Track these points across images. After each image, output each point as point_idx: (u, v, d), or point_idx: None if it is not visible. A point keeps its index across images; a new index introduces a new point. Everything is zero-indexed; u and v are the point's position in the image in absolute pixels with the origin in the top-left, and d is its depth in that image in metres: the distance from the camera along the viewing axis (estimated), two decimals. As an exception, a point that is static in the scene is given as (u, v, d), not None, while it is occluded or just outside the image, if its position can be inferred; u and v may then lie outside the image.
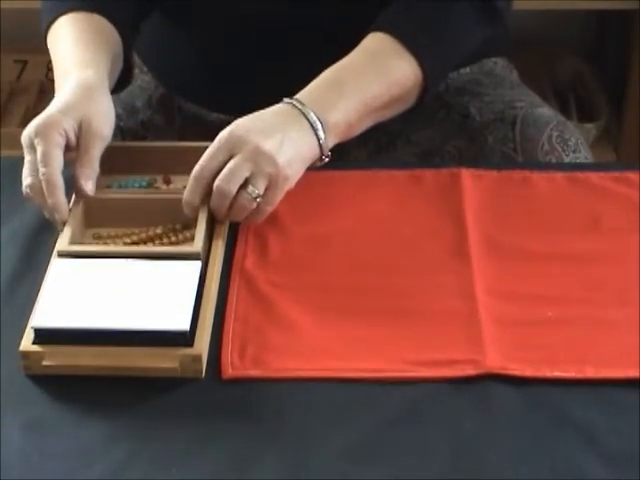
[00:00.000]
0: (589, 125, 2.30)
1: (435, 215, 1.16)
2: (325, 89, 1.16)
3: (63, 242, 1.06)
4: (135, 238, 1.10)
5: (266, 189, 1.08)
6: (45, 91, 2.37)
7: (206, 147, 1.16)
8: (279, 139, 1.08)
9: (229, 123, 1.11)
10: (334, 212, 1.16)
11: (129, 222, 1.11)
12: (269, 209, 1.10)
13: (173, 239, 1.09)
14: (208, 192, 1.08)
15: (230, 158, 1.07)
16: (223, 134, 1.09)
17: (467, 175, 1.21)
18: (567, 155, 1.30)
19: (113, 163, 1.18)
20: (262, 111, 1.13)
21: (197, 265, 1.03)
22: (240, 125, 1.10)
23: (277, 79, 1.22)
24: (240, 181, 1.07)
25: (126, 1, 1.29)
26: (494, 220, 1.15)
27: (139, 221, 1.11)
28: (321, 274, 1.09)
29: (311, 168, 1.14)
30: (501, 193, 1.19)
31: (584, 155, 1.32)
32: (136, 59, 1.49)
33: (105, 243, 1.10)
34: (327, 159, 1.15)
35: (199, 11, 1.34)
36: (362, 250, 1.12)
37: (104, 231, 1.12)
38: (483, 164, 1.23)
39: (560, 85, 2.44)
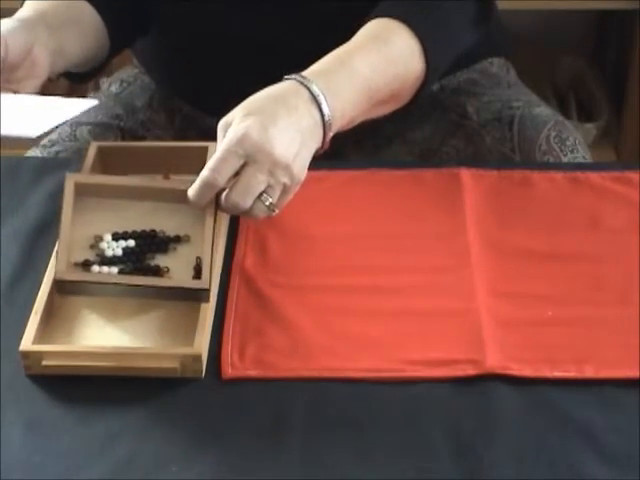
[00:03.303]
0: (589, 125, 2.30)
1: (435, 215, 1.16)
2: (336, 71, 1.10)
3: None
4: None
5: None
6: (45, 90, 2.36)
7: (206, 147, 1.16)
8: (297, 145, 1.03)
9: None
10: (334, 212, 1.16)
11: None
12: (277, 212, 1.06)
13: None
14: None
15: (244, 162, 1.01)
16: (237, 135, 1.01)
17: (467, 175, 1.20)
18: (565, 155, 1.30)
19: (113, 163, 1.18)
20: (275, 97, 1.05)
21: None
22: (254, 126, 1.01)
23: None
24: (256, 195, 1.02)
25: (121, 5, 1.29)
26: (494, 220, 1.15)
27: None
28: (321, 274, 1.09)
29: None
30: (501, 193, 1.19)
31: (582, 155, 1.31)
32: (135, 61, 1.49)
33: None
34: (322, 151, 1.09)
35: (193, 25, 1.33)
36: (362, 250, 1.11)
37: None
38: (481, 165, 1.23)
39: (560, 85, 2.44)
